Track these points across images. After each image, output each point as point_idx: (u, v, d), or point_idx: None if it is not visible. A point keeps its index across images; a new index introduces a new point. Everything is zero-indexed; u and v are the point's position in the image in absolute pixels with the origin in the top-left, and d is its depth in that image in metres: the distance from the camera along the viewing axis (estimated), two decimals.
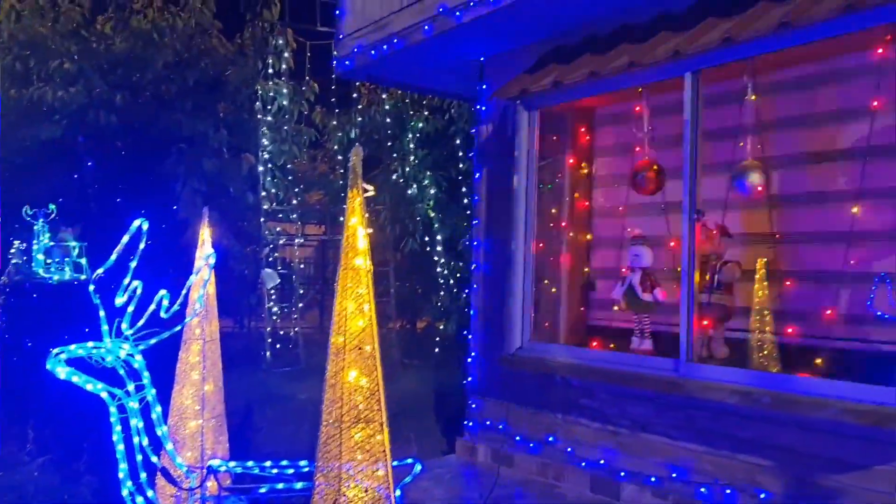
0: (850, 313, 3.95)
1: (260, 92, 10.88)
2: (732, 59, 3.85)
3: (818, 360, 3.82)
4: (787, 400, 3.50)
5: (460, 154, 11.11)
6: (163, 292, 2.64)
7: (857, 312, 3.92)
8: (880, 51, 3.69)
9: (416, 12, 5.49)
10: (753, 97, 4.11)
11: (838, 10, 3.26)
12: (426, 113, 11.49)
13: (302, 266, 17.25)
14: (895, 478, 3.32)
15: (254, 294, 11.15)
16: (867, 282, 3.81)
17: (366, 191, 2.12)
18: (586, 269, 5.38)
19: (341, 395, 2.08)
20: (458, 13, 5.08)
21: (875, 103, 3.75)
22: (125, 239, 2.48)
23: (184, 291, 2.82)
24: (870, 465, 3.41)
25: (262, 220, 10.88)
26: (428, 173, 11.37)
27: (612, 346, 4.71)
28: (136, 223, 2.53)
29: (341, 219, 9.40)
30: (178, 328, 2.91)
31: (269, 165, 10.89)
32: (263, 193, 10.83)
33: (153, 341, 2.77)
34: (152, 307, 2.65)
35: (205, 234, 3.57)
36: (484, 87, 6.00)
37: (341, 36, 6.41)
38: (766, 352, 4.11)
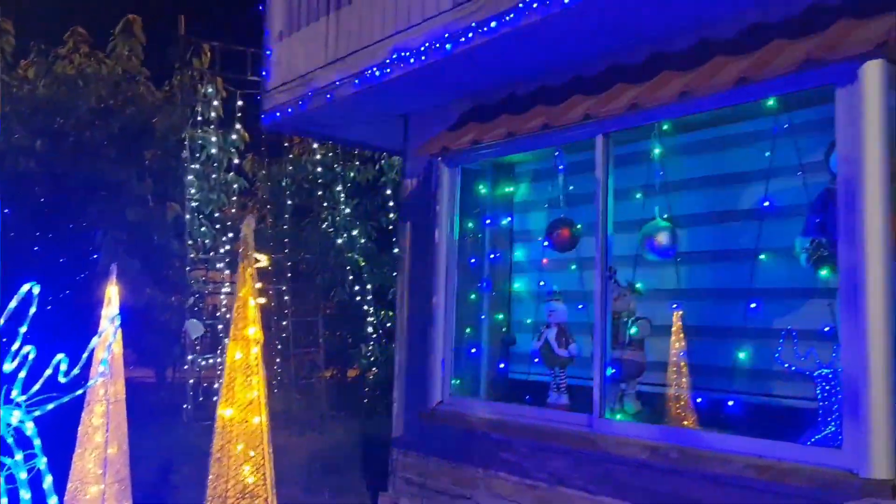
0: (754, 368, 4.09)
1: (188, 140, 10.76)
2: (639, 123, 4.03)
3: (725, 415, 3.93)
4: (693, 455, 3.58)
5: (391, 204, 11.18)
6: (60, 356, 2.56)
7: (760, 367, 4.06)
8: (771, 120, 3.91)
9: (340, 68, 5.57)
10: (658, 160, 4.28)
11: (732, 83, 3.45)
12: (357, 163, 11.56)
13: (229, 315, 16.92)
14: None
15: (177, 344, 10.87)
16: (770, 337, 3.97)
17: (257, 261, 2.13)
18: (505, 324, 5.44)
19: (227, 470, 2.05)
20: (380, 71, 5.18)
21: (768, 169, 3.96)
22: (13, 304, 2.40)
23: (85, 354, 2.75)
24: None
25: (187, 268, 10.67)
26: (358, 223, 11.40)
27: (530, 400, 4.75)
28: (26, 287, 2.46)
29: (270, 268, 9.23)
30: (79, 392, 2.82)
31: (196, 214, 10.73)
32: (190, 242, 10.64)
33: (50, 406, 2.68)
34: (48, 371, 2.57)
35: (111, 293, 3.48)
36: (408, 142, 6.10)
37: (267, 89, 6.45)
38: (682, 403, 4.22)
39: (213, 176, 10.96)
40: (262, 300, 2.10)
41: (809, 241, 3.48)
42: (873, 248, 3.05)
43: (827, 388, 3.54)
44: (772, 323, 4.00)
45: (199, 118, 11.02)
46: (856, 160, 3.10)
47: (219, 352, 11.31)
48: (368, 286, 11.33)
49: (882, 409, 3.00)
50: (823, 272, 3.48)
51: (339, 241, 11.23)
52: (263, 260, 2.23)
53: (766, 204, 4.01)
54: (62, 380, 2.63)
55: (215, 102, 11.06)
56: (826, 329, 3.53)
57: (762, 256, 4.02)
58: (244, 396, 2.08)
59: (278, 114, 6.29)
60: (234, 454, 2.07)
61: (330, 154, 11.51)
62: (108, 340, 3.10)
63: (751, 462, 3.38)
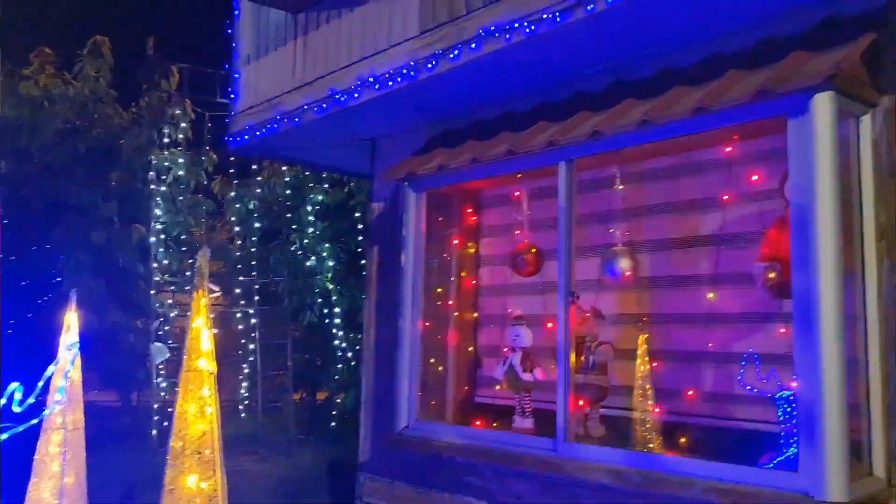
0: (715, 392, 4.15)
1: (155, 161, 10.69)
2: (602, 150, 4.08)
3: (684, 439, 3.97)
4: (656, 479, 3.61)
5: (360, 226, 11.18)
6: (14, 385, 2.52)
7: (721, 391, 4.12)
8: (729, 149, 4.00)
9: (307, 93, 5.59)
10: (621, 186, 4.34)
11: (690, 112, 3.53)
12: (326, 185, 11.56)
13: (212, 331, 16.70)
14: None
15: (142, 368, 10.72)
16: (730, 361, 4.03)
17: (212, 291, 2.13)
18: (471, 348, 5.46)
19: (180, 503, 2.03)
20: (347, 96, 5.21)
21: (726, 196, 4.04)
22: None
23: (40, 383, 2.71)
24: None
25: (153, 291, 10.55)
26: (327, 245, 11.37)
27: (496, 424, 4.76)
28: None
29: (238, 290, 9.20)
30: (35, 421, 2.78)
31: (163, 236, 10.64)
32: (155, 264, 10.53)
33: (4, 437, 2.63)
34: (2, 401, 2.53)
35: (70, 319, 3.43)
36: (376, 166, 6.12)
37: (234, 113, 6.45)
38: (648, 426, 4.25)
39: (181, 198, 10.89)
40: (216, 330, 2.10)
41: (765, 267, 3.54)
42: (826, 273, 3.12)
43: (789, 410, 3.60)
44: (733, 347, 4.05)
45: (167, 140, 10.97)
46: (808, 188, 3.18)
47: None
48: (337, 309, 11.30)
49: (836, 433, 3.06)
50: (779, 297, 3.54)
51: (309, 263, 11.19)
52: (218, 291, 2.23)
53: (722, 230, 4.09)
54: (16, 409, 2.59)
55: (183, 124, 11.02)
56: (785, 353, 3.59)
57: (721, 282, 4.09)
58: (197, 428, 2.06)
59: (246, 137, 6.29)
60: (186, 486, 2.05)
61: (299, 176, 11.49)
62: (65, 368, 3.06)
63: (711, 485, 3.41)
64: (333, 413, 11.30)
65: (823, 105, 3.16)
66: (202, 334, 2.14)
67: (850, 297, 3.35)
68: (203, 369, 2.10)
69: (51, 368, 3.00)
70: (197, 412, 2.07)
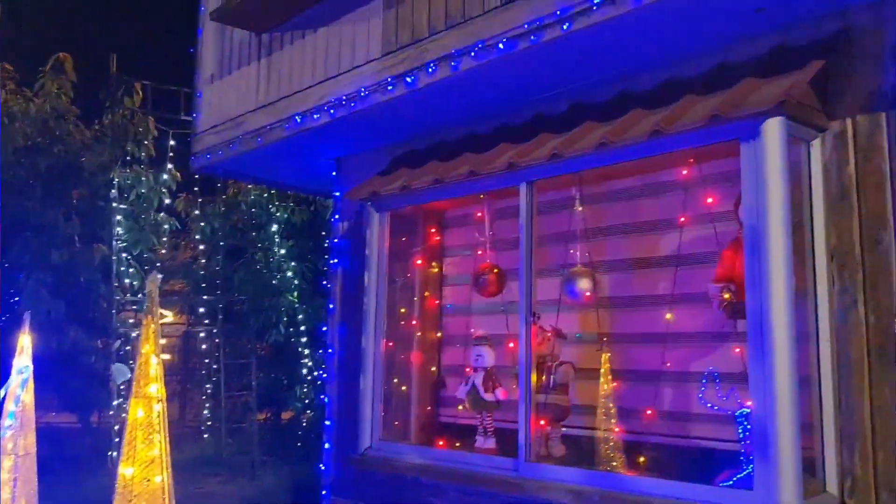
0: (674, 411, 4.19)
1: (117, 179, 10.56)
2: (561, 172, 4.14)
3: (644, 458, 4.01)
4: (614, 498, 3.64)
5: (325, 245, 11.13)
6: None
7: (681, 410, 4.16)
8: (686, 171, 4.08)
9: (271, 113, 5.59)
10: (581, 207, 4.40)
11: (647, 135, 3.60)
12: (292, 204, 11.51)
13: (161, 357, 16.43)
14: None
15: (102, 389, 10.52)
16: (689, 380, 4.08)
17: (163, 316, 2.11)
18: (435, 368, 5.46)
19: None
20: (310, 117, 5.22)
21: (683, 218, 4.11)
22: None
23: None
24: None
25: (114, 311, 10.38)
26: (293, 264, 11.31)
27: (459, 444, 4.76)
28: None
29: (202, 309, 9.08)
30: None
31: (125, 255, 10.49)
32: (117, 284, 10.37)
33: None
34: None
35: (23, 342, 3.37)
36: (340, 186, 6.13)
37: (197, 132, 6.42)
38: (611, 444, 4.28)
39: (144, 216, 10.75)
40: (166, 356, 2.08)
41: (720, 287, 3.61)
42: (778, 293, 3.20)
43: (748, 428, 3.65)
44: (691, 366, 4.11)
45: (130, 157, 10.84)
46: (760, 210, 3.26)
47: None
48: (304, 328, 11.22)
49: (789, 450, 3.12)
50: (733, 317, 3.61)
51: (274, 282, 11.12)
52: (169, 315, 2.21)
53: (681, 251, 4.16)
54: None
55: (146, 142, 10.91)
56: (742, 372, 3.65)
57: (679, 302, 4.15)
58: (146, 455, 2.04)
59: (209, 156, 6.26)
60: None
61: (265, 195, 11.43)
62: (15, 392, 3.00)
63: None
64: (299, 433, 11.18)
65: (773, 130, 3.24)
66: (151, 360, 2.12)
67: (803, 317, 3.43)
68: (152, 395, 2.07)
69: (1, 392, 2.95)
70: (145, 439, 2.04)
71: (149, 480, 2.05)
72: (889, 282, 3.28)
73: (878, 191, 3.34)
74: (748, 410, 3.59)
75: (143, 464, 2.02)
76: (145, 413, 2.02)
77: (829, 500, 3.34)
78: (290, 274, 11.22)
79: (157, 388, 2.09)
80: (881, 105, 3.36)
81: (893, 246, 3.29)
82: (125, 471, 2.01)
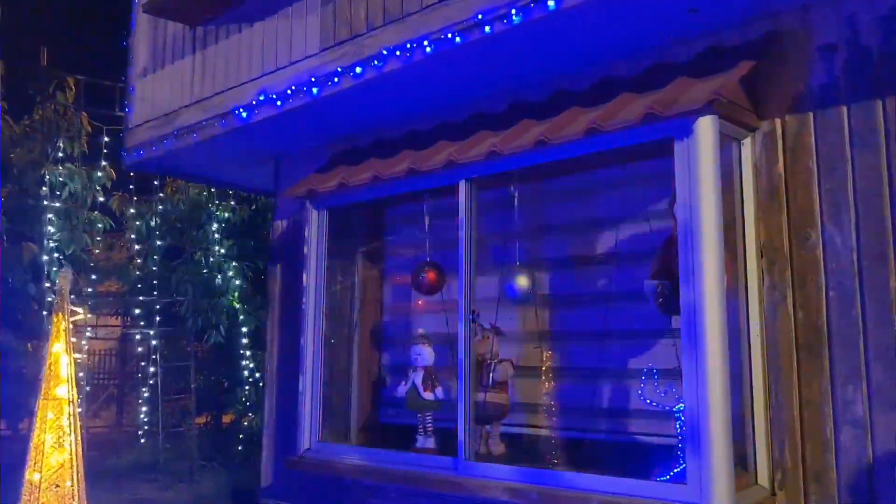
0: (614, 407, 4.23)
1: (48, 176, 10.19)
2: (500, 170, 4.13)
3: (584, 455, 4.04)
4: (552, 495, 3.65)
5: (267, 244, 10.95)
6: None
7: (620, 406, 4.20)
8: (624, 169, 4.12)
9: (206, 108, 5.46)
10: (520, 205, 4.40)
11: (583, 133, 3.62)
12: (233, 203, 11.29)
13: (98, 359, 16.00)
14: None
15: (33, 394, 10.15)
16: (628, 377, 4.12)
17: (75, 313, 2.03)
18: (376, 367, 5.41)
19: None
20: (247, 112, 5.11)
21: (621, 215, 4.15)
22: None
23: None
24: None
25: (45, 313, 10.02)
26: (234, 264, 11.09)
27: (400, 444, 4.72)
28: None
29: (137, 311, 8.83)
30: None
31: (57, 255, 10.13)
32: (48, 285, 10.01)
33: None
34: None
35: None
36: (279, 183, 6.03)
37: (130, 126, 6.23)
38: (551, 443, 4.30)
39: (76, 215, 10.40)
40: (79, 356, 1.99)
41: (656, 284, 3.65)
42: (710, 288, 3.25)
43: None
44: (630, 363, 4.15)
45: (62, 154, 10.48)
46: (693, 207, 3.31)
47: (82, 398, 10.64)
48: (244, 328, 11.02)
49: (721, 444, 3.17)
50: (668, 313, 3.65)
51: (216, 282, 10.88)
52: (81, 313, 2.12)
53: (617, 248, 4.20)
54: None
55: (80, 139, 10.56)
56: (677, 367, 3.70)
57: (617, 299, 4.19)
58: (55, 459, 1.95)
59: (142, 152, 6.09)
60: None
61: (204, 193, 11.19)
62: None
63: (606, 500, 3.47)
64: (240, 436, 10.97)
65: (705, 128, 3.29)
66: (61, 360, 2.03)
67: (734, 313, 3.50)
68: (62, 397, 1.98)
69: None
70: (55, 442, 1.95)
71: (58, 486, 1.96)
72: (816, 278, 3.37)
73: (806, 189, 3.43)
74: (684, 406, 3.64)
75: (52, 469, 1.93)
76: (55, 416, 1.93)
77: (760, 493, 3.41)
78: (230, 274, 11.01)
79: (67, 390, 2.00)
80: (808, 105, 3.45)
81: (821, 243, 3.38)
82: (32, 476, 1.92)
